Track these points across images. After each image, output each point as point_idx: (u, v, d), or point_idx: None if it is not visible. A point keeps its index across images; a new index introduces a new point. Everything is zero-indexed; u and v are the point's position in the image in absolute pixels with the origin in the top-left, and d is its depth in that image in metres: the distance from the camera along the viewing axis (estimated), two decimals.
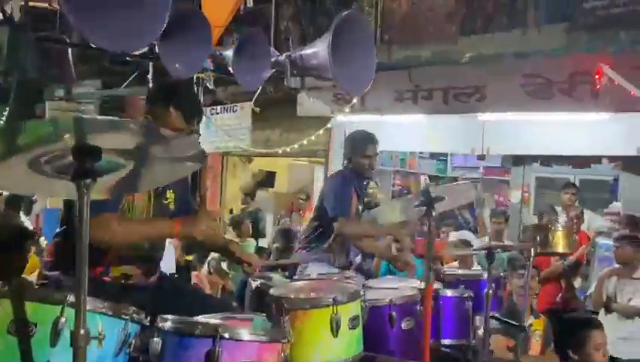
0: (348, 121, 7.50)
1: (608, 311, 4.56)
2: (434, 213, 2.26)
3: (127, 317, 1.68)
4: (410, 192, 8.96)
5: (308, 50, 3.72)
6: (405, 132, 7.30)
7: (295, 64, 3.81)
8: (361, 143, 3.68)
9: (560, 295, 5.46)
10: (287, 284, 2.26)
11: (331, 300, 1.92)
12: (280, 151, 8.07)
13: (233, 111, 7.53)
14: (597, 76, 5.16)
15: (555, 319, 3.40)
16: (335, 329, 1.91)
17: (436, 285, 3.09)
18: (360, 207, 3.76)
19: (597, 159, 7.39)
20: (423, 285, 3.15)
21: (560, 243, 3.55)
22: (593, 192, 8.27)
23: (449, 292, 2.98)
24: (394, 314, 2.49)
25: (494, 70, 6.21)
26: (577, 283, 5.85)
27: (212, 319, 1.70)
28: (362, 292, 2.14)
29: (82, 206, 1.26)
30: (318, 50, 3.61)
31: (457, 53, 6.30)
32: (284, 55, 3.88)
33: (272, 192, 9.77)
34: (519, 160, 7.86)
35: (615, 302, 4.56)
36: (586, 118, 5.95)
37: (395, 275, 5.15)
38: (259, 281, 3.63)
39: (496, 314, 3.32)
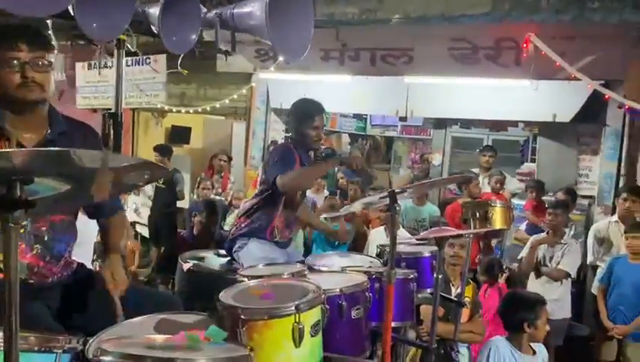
0: (272, 78, 7.20)
1: (538, 275, 4.81)
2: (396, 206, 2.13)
3: (59, 351, 1.41)
4: (334, 151, 8.89)
5: (241, 9, 3.37)
6: (331, 92, 7.11)
7: (226, 24, 3.45)
8: (308, 113, 3.38)
9: (478, 256, 5.68)
10: (237, 286, 2.04)
11: (293, 308, 1.76)
12: (200, 110, 7.63)
13: (146, 64, 6.91)
14: (525, 45, 5.23)
15: (509, 296, 3.48)
16: (298, 339, 1.75)
17: (380, 266, 3.02)
18: None
19: (514, 123, 7.68)
20: (366, 263, 3.11)
21: (499, 219, 3.64)
22: (505, 152, 8.65)
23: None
24: (344, 304, 2.37)
25: (422, 33, 6.14)
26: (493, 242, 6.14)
27: (165, 352, 1.46)
28: (323, 295, 1.98)
29: (10, 243, 0.97)
30: (253, 9, 3.28)
31: (385, 13, 6.14)
32: (213, 12, 3.49)
33: (188, 150, 9.31)
34: (441, 123, 7.99)
35: (544, 266, 4.81)
36: (508, 84, 6.09)
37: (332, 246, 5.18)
38: (191, 263, 3.38)
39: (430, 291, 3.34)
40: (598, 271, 5.10)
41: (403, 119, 8.02)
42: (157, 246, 7.03)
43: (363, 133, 10.08)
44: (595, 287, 5.02)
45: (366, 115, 9.72)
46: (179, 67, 4.97)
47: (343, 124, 9.52)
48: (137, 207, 7.52)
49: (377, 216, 5.64)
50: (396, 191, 2.15)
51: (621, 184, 5.73)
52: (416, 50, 6.28)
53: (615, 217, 5.16)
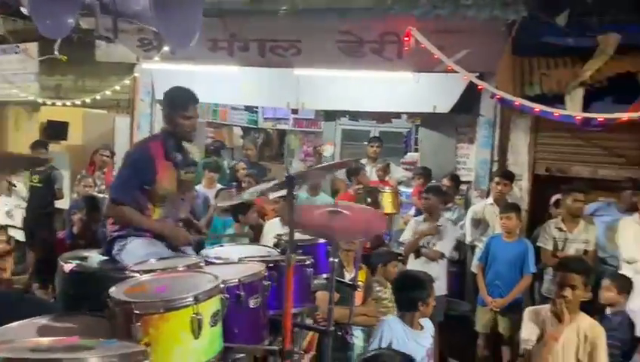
0: (156, 68, 6.92)
1: (417, 255, 5.08)
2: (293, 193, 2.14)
3: None
4: (223, 145, 8.76)
5: None
6: (219, 83, 7.00)
7: (107, 8, 3.23)
8: (180, 102, 3.19)
9: (369, 242, 5.89)
10: (128, 281, 1.93)
11: (192, 299, 1.70)
12: (78, 103, 7.13)
13: (15, 53, 6.33)
14: (406, 38, 5.48)
15: (402, 277, 3.61)
16: (197, 330, 1.70)
17: (277, 255, 3.02)
18: (182, 173, 3.30)
19: (398, 114, 8.04)
20: (263, 253, 3.10)
21: (388, 204, 3.82)
22: (390, 143, 9.04)
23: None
24: (242, 293, 2.34)
25: (309, 25, 6.22)
26: None
27: (52, 353, 1.34)
28: (222, 285, 1.94)
29: None
30: None
31: (272, 4, 6.14)
32: None
33: (66, 146, 8.66)
34: (331, 115, 8.15)
35: (423, 247, 5.09)
36: (392, 77, 6.36)
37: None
38: (73, 263, 3.13)
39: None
40: (476, 250, 5.50)
41: (295, 112, 8.09)
42: (34, 251, 6.48)
43: (255, 127, 10.02)
44: (474, 266, 5.42)
45: (257, 107, 9.66)
46: (56, 52, 4.58)
47: (234, 116, 9.40)
48: (10, 209, 6.88)
49: (272, 208, 5.64)
50: (294, 176, 2.16)
51: (494, 169, 6.21)
52: (304, 42, 6.35)
53: (490, 200, 5.60)
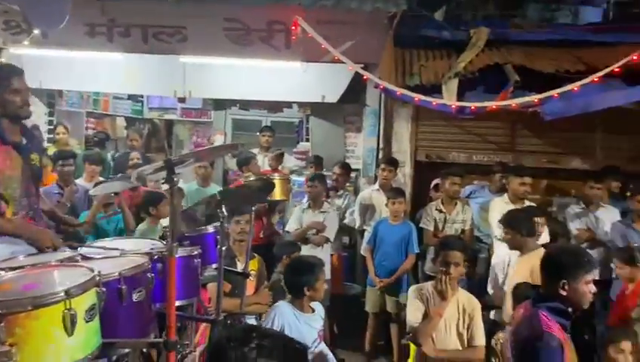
0: (27, 54, 6.36)
1: (305, 242, 5.18)
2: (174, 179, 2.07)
3: None
4: (108, 136, 8.29)
5: None
6: (100, 70, 6.60)
7: None
8: (3, 77, 2.89)
9: (262, 231, 5.90)
10: None
11: (63, 294, 1.59)
12: None
13: None
14: (293, 27, 5.51)
15: (293, 263, 3.63)
16: (70, 327, 1.60)
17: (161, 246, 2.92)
18: (34, 157, 2.97)
19: (288, 104, 8.07)
20: (148, 246, 2.98)
21: (278, 191, 3.82)
22: (283, 133, 9.07)
23: (178, 252, 2.83)
24: (124, 287, 2.24)
25: (196, 11, 6.05)
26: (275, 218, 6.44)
27: None
28: (98, 277, 1.84)
29: None
30: None
31: None
32: None
33: None
34: (220, 104, 8.00)
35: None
36: (280, 66, 6.37)
37: None
38: None
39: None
40: (365, 234, 5.70)
41: (182, 100, 7.81)
42: None
43: (140, 117, 9.56)
44: (363, 249, 5.62)
45: (142, 97, 9.21)
46: None
47: (116, 106, 8.87)
48: None
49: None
50: (173, 160, 2.09)
51: (381, 157, 6.45)
52: (189, 28, 6.16)
53: (376, 186, 5.83)
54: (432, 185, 6.19)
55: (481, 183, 6.21)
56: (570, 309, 2.46)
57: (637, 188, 4.90)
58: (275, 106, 8.28)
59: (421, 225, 5.50)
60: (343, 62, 5.63)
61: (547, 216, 5.04)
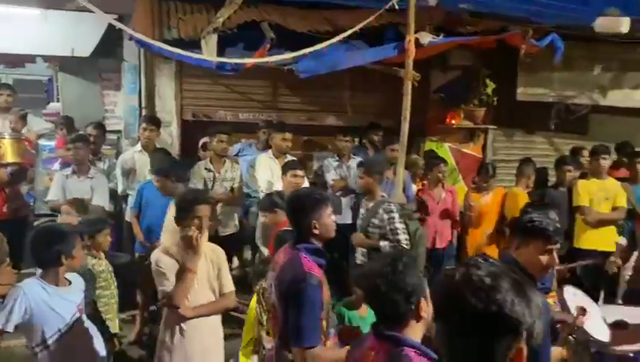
0: None
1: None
2: None
3: None
4: None
5: None
6: None
7: None
8: None
9: (7, 204, 5.17)
10: None
11: None
12: None
13: None
14: None
15: (37, 232, 3.11)
16: None
17: None
18: None
19: (31, 58, 7.07)
20: None
21: (9, 153, 3.22)
22: (29, 93, 7.98)
23: None
24: None
25: None
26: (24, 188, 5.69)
27: None
28: None
29: None
30: None
31: None
32: None
33: None
34: None
35: None
36: (15, 12, 5.50)
37: None
38: None
39: None
40: (129, 199, 5.37)
41: None
42: None
43: None
44: (128, 214, 5.30)
45: None
46: None
47: None
48: None
49: None
50: None
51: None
52: None
53: (138, 147, 5.51)
54: (199, 144, 6.13)
55: (248, 141, 6.35)
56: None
57: (389, 139, 5.53)
58: (14, 61, 7.19)
59: (190, 184, 5.41)
60: (92, 12, 5.07)
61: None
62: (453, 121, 6.70)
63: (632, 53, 6.28)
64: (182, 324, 3.06)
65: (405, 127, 4.63)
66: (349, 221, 5.58)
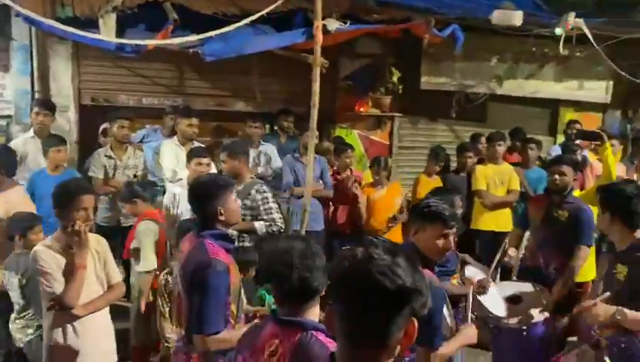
0: None
1: None
2: None
3: None
4: None
5: None
6: None
7: None
8: None
9: None
10: None
11: None
12: None
13: None
14: None
15: None
16: None
17: None
18: None
19: None
20: None
21: None
22: None
23: None
24: None
25: None
26: None
27: None
28: None
29: None
30: None
31: None
32: None
33: None
34: None
35: None
36: None
37: None
38: None
39: None
40: None
41: None
42: None
43: None
44: None
45: None
46: None
47: None
48: None
49: None
50: None
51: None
52: None
53: (31, 133, 5.13)
54: (99, 130, 5.82)
55: (154, 127, 6.11)
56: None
57: (303, 125, 5.47)
58: None
59: (90, 173, 5.14)
60: None
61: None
62: (361, 109, 6.82)
63: (524, 45, 6.67)
64: (74, 324, 2.87)
65: (315, 114, 4.63)
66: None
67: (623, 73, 6.20)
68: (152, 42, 4.56)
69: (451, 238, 2.54)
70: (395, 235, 5.23)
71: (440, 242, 2.49)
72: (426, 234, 2.51)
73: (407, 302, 1.19)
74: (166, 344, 2.85)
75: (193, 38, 4.34)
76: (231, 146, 4.51)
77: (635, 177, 5.39)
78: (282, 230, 4.19)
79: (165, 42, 4.60)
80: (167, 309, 2.91)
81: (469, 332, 2.63)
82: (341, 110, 6.80)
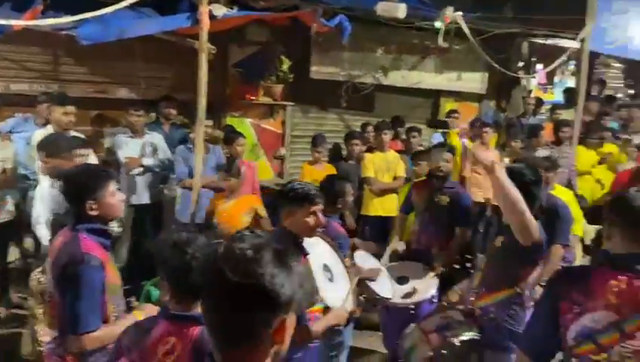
0: None
1: None
2: None
3: None
4: None
5: None
6: None
7: None
8: None
9: None
10: None
11: None
12: None
13: None
14: None
15: None
16: None
17: None
18: None
19: None
20: None
21: None
22: None
23: None
24: None
25: None
26: None
27: None
28: None
29: None
30: None
31: None
32: None
33: None
34: None
35: None
36: None
37: None
38: None
39: None
40: None
41: None
42: None
43: None
44: None
45: None
46: None
47: None
48: None
49: None
50: None
51: None
52: None
53: None
54: None
55: (24, 115, 5.62)
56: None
57: (192, 114, 5.25)
58: None
59: None
60: None
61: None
62: (252, 97, 6.74)
63: (408, 37, 6.96)
64: None
65: (203, 102, 4.48)
66: (147, 201, 5.34)
67: (495, 65, 6.66)
68: (17, 22, 4.15)
69: (320, 215, 2.70)
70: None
71: (310, 220, 2.66)
72: (296, 216, 2.67)
73: (266, 301, 1.12)
74: (39, 348, 2.64)
75: (66, 19, 4.00)
76: (44, 144, 4.02)
77: (506, 162, 5.85)
78: None
79: (34, 23, 4.21)
80: (40, 310, 2.68)
81: (339, 312, 2.77)
82: (232, 98, 6.69)
